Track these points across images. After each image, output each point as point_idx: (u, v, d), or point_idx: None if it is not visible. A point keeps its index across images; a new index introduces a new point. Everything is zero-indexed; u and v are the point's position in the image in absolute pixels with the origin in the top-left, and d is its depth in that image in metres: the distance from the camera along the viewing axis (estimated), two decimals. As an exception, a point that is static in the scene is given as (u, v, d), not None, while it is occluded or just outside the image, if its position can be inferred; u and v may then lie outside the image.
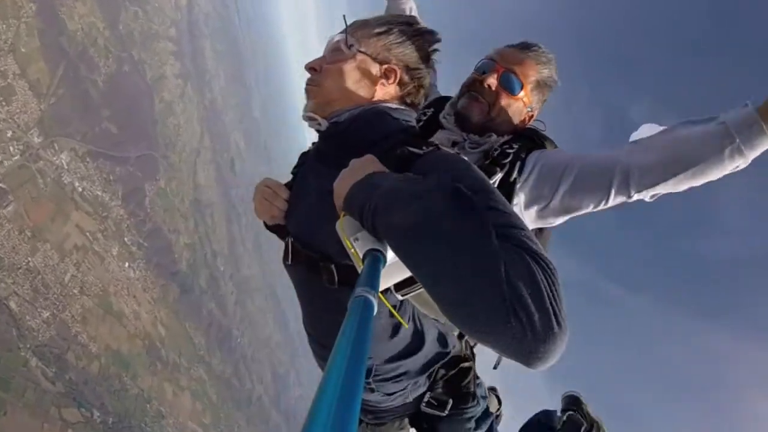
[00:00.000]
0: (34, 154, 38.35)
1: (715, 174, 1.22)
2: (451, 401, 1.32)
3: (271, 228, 1.39)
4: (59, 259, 37.33)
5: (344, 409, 0.34)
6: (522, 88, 1.53)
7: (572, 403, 2.34)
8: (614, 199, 1.32)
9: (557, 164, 1.38)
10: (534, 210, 1.43)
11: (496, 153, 1.44)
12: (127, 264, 45.62)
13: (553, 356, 0.66)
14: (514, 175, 1.38)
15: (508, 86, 1.52)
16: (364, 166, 0.94)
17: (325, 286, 1.12)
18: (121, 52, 58.34)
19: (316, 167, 1.29)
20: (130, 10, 62.69)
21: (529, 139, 1.51)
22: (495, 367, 1.55)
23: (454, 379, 1.32)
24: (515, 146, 1.44)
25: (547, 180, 1.38)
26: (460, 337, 1.34)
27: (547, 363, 0.67)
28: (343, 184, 0.92)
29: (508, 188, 1.36)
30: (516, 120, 1.57)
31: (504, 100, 1.53)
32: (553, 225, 1.51)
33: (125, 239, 47.76)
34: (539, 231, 1.60)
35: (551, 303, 0.67)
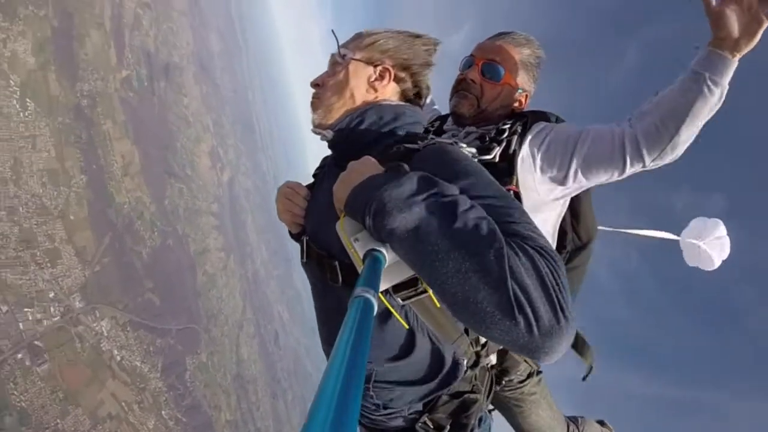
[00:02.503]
0: (74, 318, 39.79)
1: (706, 110, 1.37)
2: (448, 427, 1.32)
3: (295, 237, 1.48)
4: (90, 426, 36.05)
5: (343, 409, 0.34)
6: (505, 73, 1.64)
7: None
8: (630, 168, 1.45)
9: (568, 136, 1.49)
10: (548, 178, 1.52)
11: (492, 133, 1.56)
12: (163, 439, 43.25)
13: (560, 349, 0.70)
14: (513, 146, 1.49)
15: (490, 75, 1.65)
16: (362, 169, 0.97)
17: (331, 284, 1.20)
18: (166, 227, 63.61)
19: (331, 170, 1.38)
20: (175, 186, 70.09)
21: (524, 116, 1.63)
22: (584, 379, 1.84)
23: (457, 410, 1.32)
24: (509, 122, 1.58)
25: (559, 150, 1.48)
26: (474, 366, 1.36)
27: (555, 356, 0.71)
28: (342, 187, 0.96)
29: (509, 160, 1.47)
30: (509, 104, 1.71)
31: (490, 89, 1.65)
32: (570, 192, 1.60)
33: (163, 413, 46.25)
34: (573, 205, 1.73)
35: (556, 296, 0.71)
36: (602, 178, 1.48)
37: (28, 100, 35.85)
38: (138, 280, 52.83)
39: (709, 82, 1.31)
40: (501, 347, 1.52)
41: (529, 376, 1.87)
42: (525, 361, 1.79)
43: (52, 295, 37.57)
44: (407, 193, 0.82)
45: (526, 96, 1.73)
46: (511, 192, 1.42)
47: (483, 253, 0.72)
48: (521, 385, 1.87)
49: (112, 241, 48.61)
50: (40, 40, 37.86)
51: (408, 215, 0.79)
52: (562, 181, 1.51)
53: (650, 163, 1.43)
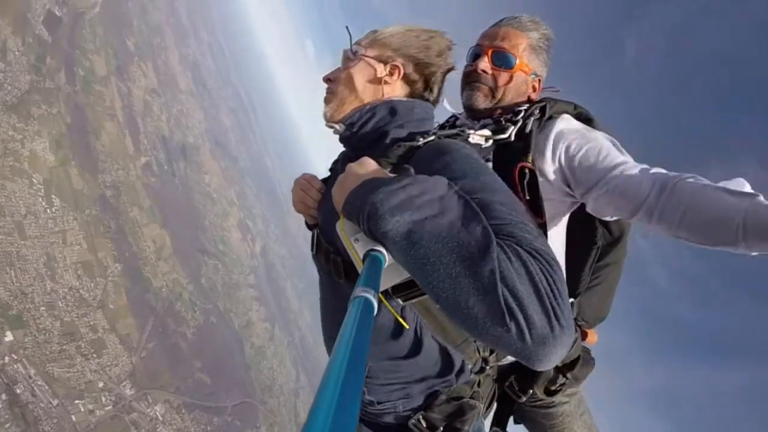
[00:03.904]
0: (126, 405, 40.07)
1: (719, 249, 1.26)
2: (441, 428, 1.33)
3: (312, 227, 1.52)
4: None
5: (343, 409, 0.35)
6: (516, 59, 1.61)
7: None
8: (632, 221, 1.42)
9: (596, 162, 1.43)
10: (560, 181, 1.50)
11: (509, 116, 1.52)
12: None
13: (555, 358, 0.70)
14: (530, 127, 1.45)
15: (502, 63, 1.61)
16: (359, 171, 0.98)
17: (335, 279, 1.24)
18: (207, 304, 64.39)
19: (344, 165, 1.38)
20: (210, 264, 71.36)
21: (542, 101, 1.57)
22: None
23: (453, 413, 1.33)
24: (525, 105, 1.55)
25: (582, 175, 1.44)
26: (480, 371, 1.38)
27: (549, 364, 0.71)
28: (339, 189, 0.97)
29: (525, 140, 1.43)
30: (525, 91, 1.67)
31: (503, 78, 1.61)
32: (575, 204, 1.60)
33: (229, 492, 45.13)
34: (608, 227, 1.68)
35: (550, 302, 0.70)
36: (607, 214, 1.44)
37: (53, 196, 37.54)
38: (186, 361, 53.01)
39: (742, 248, 1.15)
40: None
41: (561, 386, 1.77)
42: (555, 367, 1.71)
43: (101, 384, 37.91)
44: (400, 197, 0.82)
45: (540, 80, 1.69)
46: (526, 170, 1.35)
47: (473, 258, 0.72)
48: (550, 396, 1.77)
49: (155, 326, 49.17)
50: (56, 137, 40.10)
51: (400, 218, 0.79)
52: (570, 193, 1.49)
53: (652, 230, 1.36)
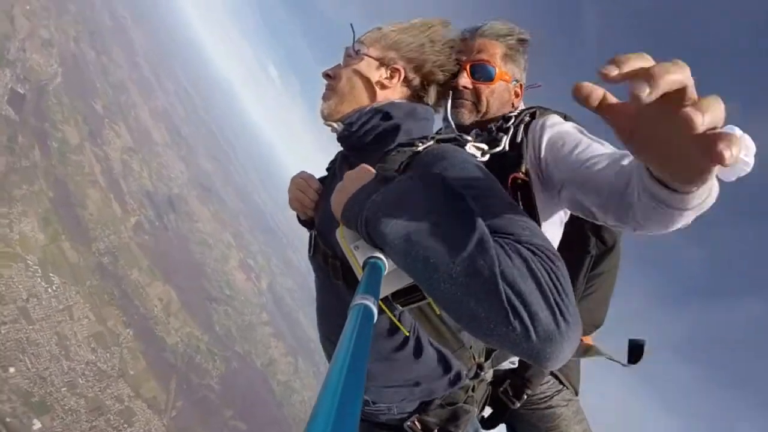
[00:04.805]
0: (168, 470, 39.20)
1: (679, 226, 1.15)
2: (436, 431, 1.35)
3: (303, 223, 1.55)
4: None
5: (342, 419, 0.35)
6: (495, 69, 1.61)
7: None
8: (607, 217, 1.34)
9: (576, 156, 1.40)
10: (540, 174, 1.50)
11: (499, 122, 1.55)
12: None
13: (563, 355, 0.69)
14: (521, 135, 1.47)
15: (482, 75, 1.61)
16: (357, 178, 0.99)
17: (333, 281, 1.26)
18: (225, 351, 64.08)
19: (341, 167, 1.43)
20: (220, 310, 71.11)
21: (530, 108, 1.60)
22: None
23: (447, 418, 1.35)
24: (514, 113, 1.57)
25: (558, 163, 1.44)
26: (475, 377, 1.38)
27: (558, 362, 0.70)
28: (338, 197, 0.99)
29: (518, 149, 1.44)
30: (508, 98, 1.68)
31: (486, 90, 1.62)
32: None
33: None
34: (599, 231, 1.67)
35: (554, 299, 0.69)
36: (587, 205, 1.37)
37: (51, 274, 37.08)
38: (217, 411, 52.60)
39: (688, 216, 1.01)
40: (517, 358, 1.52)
41: (558, 391, 1.83)
42: (552, 373, 1.79)
43: (138, 454, 37.47)
44: (397, 199, 0.84)
45: (521, 85, 1.70)
46: (519, 180, 1.37)
47: (472, 257, 0.72)
48: (546, 398, 1.82)
49: (179, 383, 48.71)
50: (42, 214, 39.60)
51: (398, 221, 0.80)
52: (558, 191, 1.43)
53: (625, 227, 1.26)
